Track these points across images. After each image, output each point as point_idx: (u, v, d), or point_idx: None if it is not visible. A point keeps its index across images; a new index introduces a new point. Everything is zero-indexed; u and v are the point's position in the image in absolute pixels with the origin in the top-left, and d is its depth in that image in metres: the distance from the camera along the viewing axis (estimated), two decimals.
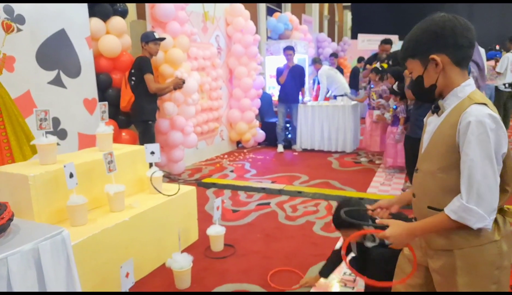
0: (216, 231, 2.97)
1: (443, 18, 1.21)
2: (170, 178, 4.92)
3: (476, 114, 1.13)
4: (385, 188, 4.46)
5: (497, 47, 8.13)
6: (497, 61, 7.15)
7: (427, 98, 1.30)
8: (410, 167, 3.80)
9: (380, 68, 5.40)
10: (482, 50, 4.02)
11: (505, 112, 7.59)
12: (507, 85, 6.93)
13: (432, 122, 1.30)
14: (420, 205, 1.32)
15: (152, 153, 2.98)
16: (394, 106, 4.82)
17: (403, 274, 1.43)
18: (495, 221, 1.21)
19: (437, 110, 1.27)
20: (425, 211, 1.29)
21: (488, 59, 7.48)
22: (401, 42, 1.67)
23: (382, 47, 6.09)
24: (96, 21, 4.17)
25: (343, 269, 2.62)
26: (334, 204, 3.92)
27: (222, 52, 6.57)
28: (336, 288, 2.41)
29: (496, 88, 7.01)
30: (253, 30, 6.69)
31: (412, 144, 3.43)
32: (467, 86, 1.22)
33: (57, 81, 3.68)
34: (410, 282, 1.39)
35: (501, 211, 1.23)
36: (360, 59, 9.51)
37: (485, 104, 1.16)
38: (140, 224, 2.59)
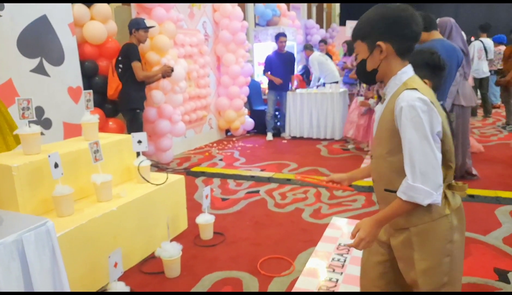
0: (206, 219, 2.97)
1: (398, 8, 1.26)
2: (158, 167, 4.88)
3: (407, 99, 1.20)
4: None
5: (472, 39, 8.22)
6: None
7: (368, 80, 1.39)
8: None
9: None
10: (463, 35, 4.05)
11: (485, 98, 7.76)
12: (486, 71, 7.14)
13: (378, 110, 1.38)
14: (378, 188, 1.41)
15: (139, 141, 2.95)
16: None
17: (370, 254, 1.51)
18: (445, 196, 1.29)
19: (380, 98, 1.36)
20: (382, 193, 1.38)
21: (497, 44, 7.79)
22: None
23: None
24: (80, 7, 4.05)
25: (332, 255, 2.65)
26: (323, 191, 3.94)
27: (209, 39, 6.48)
28: (324, 274, 2.43)
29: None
30: (241, 16, 6.60)
31: None
32: (403, 74, 1.29)
33: (39, 69, 3.59)
34: (376, 259, 1.48)
35: (450, 186, 1.33)
36: None
37: (415, 89, 1.23)
38: (128, 213, 2.57)
